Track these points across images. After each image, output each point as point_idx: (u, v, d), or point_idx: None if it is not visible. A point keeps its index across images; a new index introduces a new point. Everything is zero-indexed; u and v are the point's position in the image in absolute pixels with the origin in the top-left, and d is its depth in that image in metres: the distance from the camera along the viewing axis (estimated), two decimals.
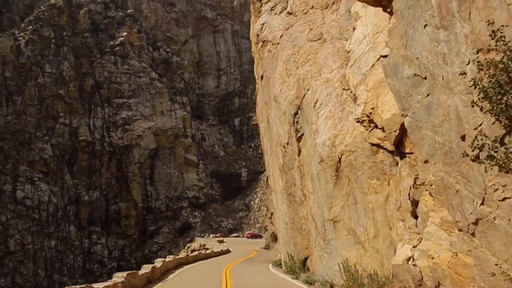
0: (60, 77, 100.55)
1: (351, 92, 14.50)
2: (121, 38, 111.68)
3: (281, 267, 23.03)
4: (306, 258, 17.38)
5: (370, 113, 13.12)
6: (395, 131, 11.88)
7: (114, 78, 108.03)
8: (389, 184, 12.32)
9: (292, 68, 18.10)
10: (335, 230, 14.20)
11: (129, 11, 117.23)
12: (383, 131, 12.50)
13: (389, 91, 12.38)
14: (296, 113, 17.06)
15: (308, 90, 16.39)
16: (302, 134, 16.74)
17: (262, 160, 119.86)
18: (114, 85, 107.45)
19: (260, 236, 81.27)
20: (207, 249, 51.15)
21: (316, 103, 15.66)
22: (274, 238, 47.97)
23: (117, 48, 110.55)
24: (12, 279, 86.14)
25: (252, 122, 44.27)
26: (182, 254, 38.69)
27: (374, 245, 12.67)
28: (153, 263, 21.00)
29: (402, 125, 11.56)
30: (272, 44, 21.44)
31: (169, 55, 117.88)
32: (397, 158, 12.17)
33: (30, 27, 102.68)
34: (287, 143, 18.03)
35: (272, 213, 49.02)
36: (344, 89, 14.79)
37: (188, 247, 61.91)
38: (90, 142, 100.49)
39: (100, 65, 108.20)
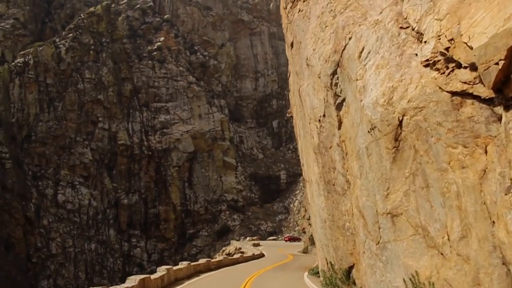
0: (99, 83, 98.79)
1: (413, 29, 9.67)
2: (159, 43, 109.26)
3: (319, 277, 18.23)
4: (351, 268, 12.56)
5: (447, 48, 8.26)
6: (496, 63, 7.01)
7: (152, 83, 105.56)
8: (486, 152, 7.43)
9: (328, 19, 13.40)
10: (395, 228, 9.35)
11: (166, 16, 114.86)
12: (473, 69, 7.64)
13: (482, 6, 7.53)
14: (334, 73, 12.31)
15: (350, 39, 11.64)
16: (343, 100, 11.96)
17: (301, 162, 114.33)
18: (152, 89, 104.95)
19: (299, 239, 76.36)
20: (242, 252, 46.76)
21: (361, 52, 10.89)
22: (313, 241, 43.39)
23: (155, 53, 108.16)
24: (54, 281, 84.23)
25: (288, 114, 39.54)
26: (219, 257, 34.41)
27: (462, 251, 7.76)
28: (149, 272, 16.44)
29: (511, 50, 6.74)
30: (304, 1, 16.80)
31: (206, 59, 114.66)
32: (499, 108, 7.29)
33: (70, 34, 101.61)
34: (323, 116, 13.28)
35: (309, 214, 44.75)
36: (401, 27, 9.95)
37: (223, 251, 57.77)
38: (129, 146, 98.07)
39: (138, 70, 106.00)
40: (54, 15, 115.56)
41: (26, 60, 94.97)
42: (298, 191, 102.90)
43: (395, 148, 9.23)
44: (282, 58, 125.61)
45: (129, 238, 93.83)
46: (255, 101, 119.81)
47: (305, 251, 48.12)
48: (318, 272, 19.42)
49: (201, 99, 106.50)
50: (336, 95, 12.30)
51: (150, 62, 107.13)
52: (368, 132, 10.12)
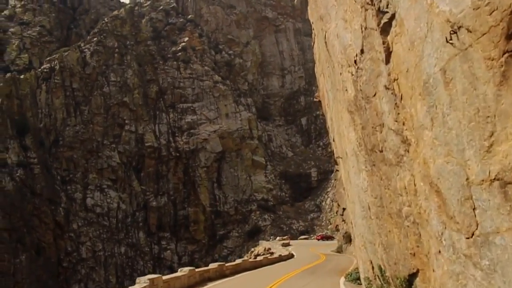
0: (124, 85, 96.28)
1: None
2: (183, 44, 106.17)
3: (360, 284, 13.65)
4: (413, 276, 7.97)
5: None
6: None
7: (177, 83, 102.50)
8: None
9: None
10: (510, 206, 4.79)
11: (189, 16, 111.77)
12: None
13: None
14: None
15: None
16: (392, 16, 7.50)
17: (332, 159, 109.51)
18: (178, 90, 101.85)
19: (332, 238, 71.42)
20: (272, 253, 42.39)
21: None
22: (348, 239, 38.87)
23: (179, 53, 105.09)
24: (85, 286, 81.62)
25: (315, 99, 34.77)
26: (238, 260, 29.93)
27: None
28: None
29: None
30: None
31: (231, 57, 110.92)
32: None
33: (95, 39, 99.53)
34: (361, 52, 8.82)
35: (344, 209, 39.68)
36: None
37: (252, 252, 53.55)
38: (156, 148, 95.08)
39: (163, 71, 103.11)
40: (79, 21, 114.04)
41: (52, 65, 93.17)
42: (330, 188, 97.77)
43: (506, 55, 4.73)
44: (308, 54, 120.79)
45: (158, 240, 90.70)
46: (283, 99, 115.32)
47: (339, 250, 44.01)
48: (358, 279, 14.80)
49: (228, 98, 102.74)
50: (379, 12, 7.84)
51: (175, 63, 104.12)
52: (447, 41, 5.64)
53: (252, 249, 58.08)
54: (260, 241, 66.78)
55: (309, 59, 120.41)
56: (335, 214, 52.63)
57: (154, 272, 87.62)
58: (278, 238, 71.73)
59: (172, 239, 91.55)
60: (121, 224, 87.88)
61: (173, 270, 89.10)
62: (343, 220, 41.66)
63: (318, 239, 71.55)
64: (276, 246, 45.29)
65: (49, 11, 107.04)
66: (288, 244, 54.52)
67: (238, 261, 23.71)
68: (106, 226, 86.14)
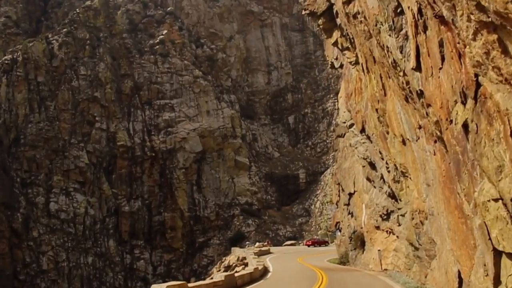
0: (95, 79, 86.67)
1: None
2: (161, 36, 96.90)
3: None
4: None
5: None
6: None
7: (154, 78, 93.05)
8: None
9: None
10: None
11: (169, 9, 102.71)
12: None
13: None
14: None
15: None
16: None
17: (321, 159, 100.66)
18: (155, 86, 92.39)
19: (325, 243, 61.56)
20: (245, 264, 32.68)
21: None
22: (359, 242, 28.33)
23: (157, 46, 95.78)
24: None
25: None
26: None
27: None
28: None
29: None
30: None
31: (214, 52, 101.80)
32: None
33: (64, 29, 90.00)
34: None
35: (351, 195, 30.22)
36: None
37: (222, 262, 43.99)
38: (129, 147, 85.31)
39: (140, 66, 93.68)
40: (51, 14, 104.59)
41: (15, 57, 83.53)
42: (320, 191, 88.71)
43: None
44: (296, 49, 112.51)
45: (131, 249, 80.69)
46: (269, 96, 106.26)
47: (343, 260, 31.56)
48: None
49: (209, 94, 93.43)
50: None
51: (152, 56, 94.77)
52: None
53: (223, 259, 48.40)
54: (233, 249, 56.89)
55: (296, 55, 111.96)
56: (335, 204, 40.54)
57: (125, 285, 77.59)
58: (256, 244, 61.92)
59: (146, 248, 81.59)
60: (88, 231, 77.86)
61: (147, 282, 79.04)
62: (349, 213, 31.24)
63: (309, 245, 61.06)
64: (249, 256, 34.37)
65: (16, 1, 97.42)
66: (267, 252, 44.62)
67: None
68: (71, 234, 76.12)
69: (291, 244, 67.92)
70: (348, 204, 32.05)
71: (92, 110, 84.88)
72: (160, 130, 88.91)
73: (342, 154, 34.32)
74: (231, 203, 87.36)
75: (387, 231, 22.78)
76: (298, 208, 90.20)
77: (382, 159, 20.20)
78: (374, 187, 24.20)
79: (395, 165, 18.41)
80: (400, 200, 19.15)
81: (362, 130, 22.86)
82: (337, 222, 39.36)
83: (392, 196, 20.50)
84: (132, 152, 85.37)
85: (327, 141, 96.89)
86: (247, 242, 67.35)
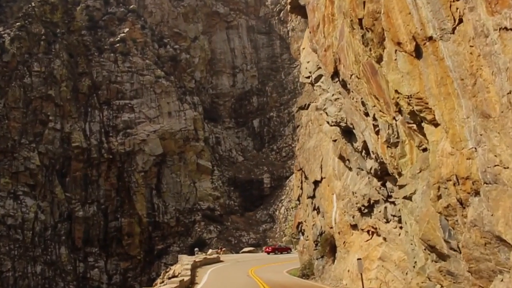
0: (50, 76, 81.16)
1: None
2: (122, 34, 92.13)
3: None
4: None
5: None
6: None
7: (114, 78, 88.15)
8: None
9: None
10: None
11: (131, 6, 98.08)
12: None
13: None
14: None
15: None
16: None
17: (286, 164, 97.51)
18: (114, 85, 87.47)
19: (287, 250, 57.95)
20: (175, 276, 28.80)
21: None
22: (327, 247, 22.34)
23: (118, 44, 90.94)
24: None
25: None
26: None
27: None
28: None
29: None
30: None
31: (177, 52, 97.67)
32: None
33: (18, 23, 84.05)
34: None
35: (316, 183, 24.38)
36: None
37: (166, 271, 39.88)
38: (85, 149, 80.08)
39: (98, 64, 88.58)
40: (5, 8, 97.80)
41: None
42: (284, 196, 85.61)
43: None
44: (262, 52, 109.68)
45: (85, 257, 75.41)
46: (233, 99, 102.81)
47: (307, 271, 25.55)
48: None
49: (171, 95, 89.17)
50: None
51: (112, 55, 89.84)
52: None
53: (168, 269, 44.23)
54: (179, 257, 52.64)
55: (262, 58, 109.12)
56: (297, 201, 31.98)
57: None
58: (210, 251, 57.96)
59: (101, 255, 76.45)
60: (38, 238, 72.13)
61: None
62: (315, 209, 25.08)
63: (269, 252, 56.99)
64: (186, 266, 29.67)
65: None
66: (216, 261, 40.68)
67: None
68: (18, 241, 70.27)
69: (249, 251, 63.84)
70: (313, 197, 25.25)
71: (45, 109, 79.29)
72: (119, 131, 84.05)
73: (306, 131, 26.92)
74: (192, 208, 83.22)
75: (368, 231, 17.34)
76: (262, 214, 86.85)
77: (367, 114, 14.03)
78: (350, 169, 18.74)
79: (395, 111, 11.81)
80: (399, 174, 12.66)
81: (335, 75, 16.38)
82: (299, 223, 31.01)
83: (381, 174, 14.53)
84: (88, 154, 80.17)
85: (293, 145, 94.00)
86: (209, 250, 63.36)
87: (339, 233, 20.51)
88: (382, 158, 13.56)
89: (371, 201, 16.39)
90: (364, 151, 15.50)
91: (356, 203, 17.67)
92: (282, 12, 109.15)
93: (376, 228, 16.37)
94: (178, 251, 78.35)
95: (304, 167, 26.72)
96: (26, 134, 76.78)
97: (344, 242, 20.01)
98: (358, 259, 16.15)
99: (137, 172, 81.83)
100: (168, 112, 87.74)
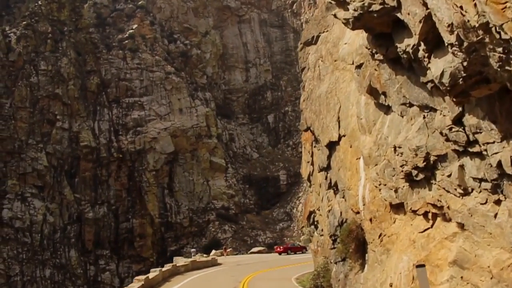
0: (57, 75, 78.41)
1: None
2: (131, 31, 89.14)
3: None
4: None
5: None
6: None
7: (123, 75, 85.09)
8: None
9: None
10: None
11: (140, 2, 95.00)
12: None
13: None
14: None
15: None
16: None
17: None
18: (123, 83, 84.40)
19: (301, 249, 53.40)
20: None
21: None
22: (353, 241, 14.41)
23: (126, 41, 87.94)
24: None
25: None
26: None
27: None
28: None
29: None
30: None
31: (188, 48, 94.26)
32: None
33: (24, 22, 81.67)
34: None
35: (331, 145, 16.81)
36: None
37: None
38: (94, 148, 77.08)
39: (107, 61, 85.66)
40: (13, 9, 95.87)
41: None
42: (302, 193, 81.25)
43: None
44: (275, 46, 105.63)
45: (95, 260, 72.26)
46: (247, 94, 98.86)
47: (321, 282, 18.37)
48: None
49: (182, 92, 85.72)
50: None
51: (120, 52, 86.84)
52: None
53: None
54: (175, 258, 48.67)
55: (276, 52, 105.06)
56: (307, 181, 23.44)
57: None
58: (213, 252, 53.86)
59: (112, 258, 73.25)
60: (47, 240, 69.25)
61: None
62: (331, 187, 17.37)
63: (280, 253, 51.96)
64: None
65: None
66: (211, 264, 36.34)
67: None
68: (27, 244, 67.44)
69: (259, 252, 58.73)
70: (328, 168, 17.50)
71: (52, 108, 76.52)
72: (129, 129, 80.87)
73: (314, 74, 19.27)
74: (206, 207, 79.51)
75: (425, 214, 10.10)
76: (278, 212, 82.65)
77: None
78: (388, 109, 11.64)
79: None
80: None
81: None
82: (310, 212, 22.17)
83: (462, 89, 7.29)
84: (97, 154, 77.12)
85: None
86: (212, 251, 59.57)
87: (371, 220, 13.09)
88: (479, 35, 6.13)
89: (431, 158, 9.37)
90: (424, 46, 7.99)
91: (402, 166, 10.44)
92: (295, 4, 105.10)
93: (441, 208, 9.31)
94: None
95: (313, 125, 19.01)
96: (33, 134, 74.09)
97: (380, 235, 12.49)
98: (419, 265, 8.85)
99: (148, 171, 78.47)
100: (179, 108, 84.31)
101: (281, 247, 53.76)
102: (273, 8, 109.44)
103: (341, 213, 16.22)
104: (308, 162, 21.23)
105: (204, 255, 50.24)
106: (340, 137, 16.06)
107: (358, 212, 14.43)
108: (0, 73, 75.66)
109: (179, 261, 39.67)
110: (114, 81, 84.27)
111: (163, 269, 29.68)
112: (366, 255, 13.86)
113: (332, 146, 17.03)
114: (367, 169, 13.13)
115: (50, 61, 79.17)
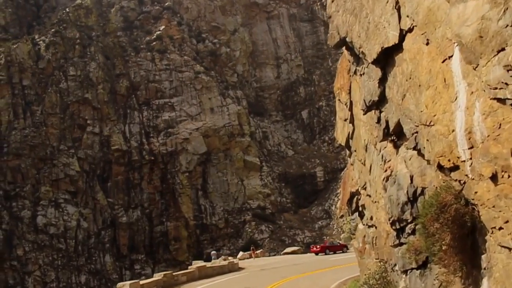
0: (86, 79, 77.54)
1: None
2: (158, 32, 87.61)
3: None
4: None
5: None
6: None
7: (152, 77, 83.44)
8: None
9: None
10: None
11: (166, 4, 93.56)
12: None
13: None
14: None
15: None
16: None
17: (340, 155, 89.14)
18: (153, 84, 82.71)
19: (342, 248, 48.72)
20: None
21: None
22: (453, 228, 7.22)
23: (154, 43, 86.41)
24: None
25: None
26: None
27: None
28: None
29: None
30: None
31: (217, 46, 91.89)
32: None
33: (52, 30, 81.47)
34: None
35: (387, 53, 10.75)
36: None
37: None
38: (125, 151, 75.54)
39: (136, 64, 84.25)
40: (44, 19, 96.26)
41: None
42: (340, 189, 76.58)
43: None
44: (306, 40, 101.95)
45: (131, 264, 70.38)
46: (279, 91, 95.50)
47: None
48: None
49: (212, 91, 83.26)
50: None
51: (149, 54, 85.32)
52: None
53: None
54: (193, 262, 45.40)
55: (307, 46, 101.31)
56: (346, 148, 16.57)
57: None
58: (240, 254, 49.96)
59: (148, 262, 71.15)
60: (81, 246, 67.95)
61: None
62: (388, 134, 11.40)
63: (317, 253, 46.47)
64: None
65: (5, 6, 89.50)
66: (227, 271, 31.93)
67: None
68: (61, 250, 66.30)
69: (293, 252, 53.23)
70: (381, 102, 11.61)
71: (82, 113, 75.58)
72: (160, 131, 78.96)
73: None
74: (241, 208, 76.42)
75: None
76: (317, 210, 78.59)
77: None
78: None
79: None
80: None
81: None
82: (351, 194, 15.40)
83: None
84: (128, 157, 75.51)
85: None
86: (240, 253, 56.21)
87: (493, 177, 6.91)
88: None
89: None
90: None
91: None
92: None
93: None
94: (229, 254, 71.73)
95: (350, 33, 12.77)
96: (64, 140, 73.25)
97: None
98: None
99: (181, 173, 76.17)
100: (210, 108, 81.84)
101: (318, 246, 48.26)
102: (301, 2, 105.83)
103: (412, 177, 9.75)
104: (345, 120, 15.54)
105: (229, 258, 46.37)
106: (403, 35, 10.06)
107: (455, 167, 7.94)
108: (31, 81, 75.39)
109: (199, 265, 35.98)
110: (143, 83, 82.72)
111: (147, 280, 24.00)
112: (484, 256, 7.37)
113: (387, 58, 10.85)
114: (472, 72, 7.25)
115: (79, 67, 78.43)
